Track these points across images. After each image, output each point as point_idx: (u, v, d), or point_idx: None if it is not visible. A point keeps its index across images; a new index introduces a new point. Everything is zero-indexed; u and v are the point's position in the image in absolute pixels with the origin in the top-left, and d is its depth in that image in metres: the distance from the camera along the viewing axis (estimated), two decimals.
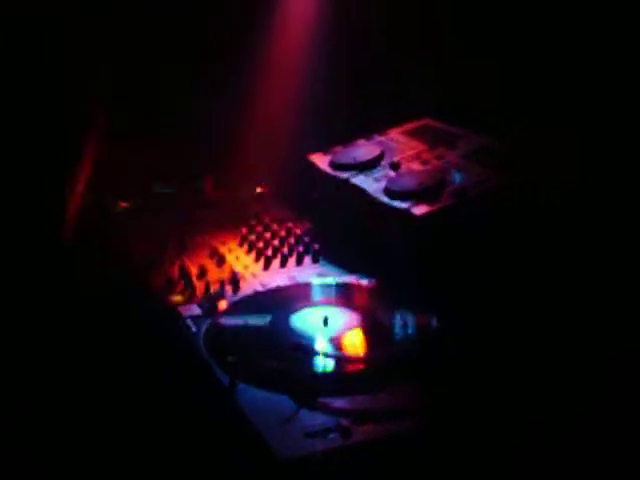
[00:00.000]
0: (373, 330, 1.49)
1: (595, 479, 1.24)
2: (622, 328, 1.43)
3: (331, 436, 1.19)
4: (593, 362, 1.37)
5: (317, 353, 1.39)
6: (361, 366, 1.38)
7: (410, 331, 1.50)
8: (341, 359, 1.39)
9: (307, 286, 1.68)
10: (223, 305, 1.59)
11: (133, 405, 1.51)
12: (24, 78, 1.34)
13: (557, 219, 1.59)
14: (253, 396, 1.30)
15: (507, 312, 1.49)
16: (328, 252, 1.85)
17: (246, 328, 1.49)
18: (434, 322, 1.48)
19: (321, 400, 1.27)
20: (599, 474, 1.23)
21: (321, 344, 1.43)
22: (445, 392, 1.30)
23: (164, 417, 1.44)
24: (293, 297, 1.61)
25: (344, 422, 1.21)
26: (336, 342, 1.44)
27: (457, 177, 1.70)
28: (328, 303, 1.59)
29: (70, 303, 1.56)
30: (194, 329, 1.51)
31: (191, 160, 2.29)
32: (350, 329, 1.48)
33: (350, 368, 1.37)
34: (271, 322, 1.50)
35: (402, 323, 1.52)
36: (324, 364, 1.37)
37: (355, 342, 1.45)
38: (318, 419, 1.23)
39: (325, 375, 1.35)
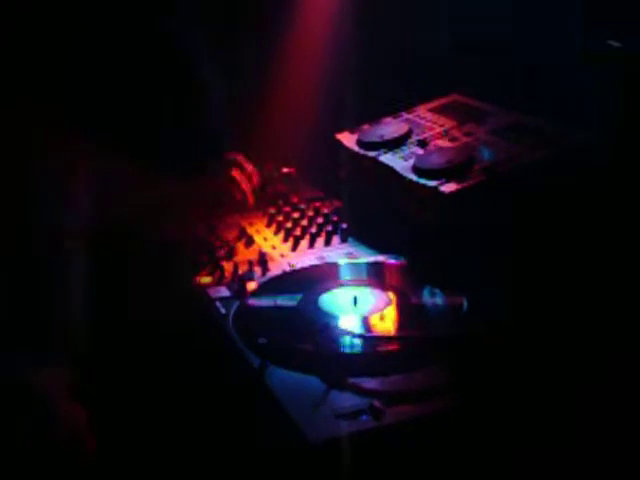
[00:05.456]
0: (403, 310, 1.47)
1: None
2: None
3: (363, 418, 1.19)
4: (621, 345, 1.35)
5: (347, 333, 1.38)
6: (392, 346, 1.36)
7: (440, 312, 1.48)
8: (371, 339, 1.37)
9: (336, 266, 1.67)
10: (252, 286, 1.58)
11: (163, 388, 1.51)
12: None
13: (589, 196, 1.56)
14: (283, 378, 1.29)
15: (536, 292, 1.46)
16: (357, 231, 1.83)
17: (275, 309, 1.49)
18: (464, 302, 1.46)
19: (352, 381, 1.26)
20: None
21: (351, 324, 1.41)
22: (477, 372, 1.28)
23: (195, 399, 1.44)
24: (322, 277, 1.60)
25: (376, 403, 1.20)
26: (366, 322, 1.43)
27: (486, 154, 1.67)
28: (357, 283, 1.58)
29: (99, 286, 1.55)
30: (223, 310, 1.51)
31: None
32: (380, 309, 1.46)
33: (380, 348, 1.36)
34: (300, 303, 1.49)
35: (433, 303, 1.51)
36: (354, 344, 1.36)
37: (385, 322, 1.44)
38: (349, 400, 1.22)
39: (355, 355, 1.34)
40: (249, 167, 1.96)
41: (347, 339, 1.37)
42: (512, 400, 1.25)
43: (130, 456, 1.50)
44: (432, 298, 1.52)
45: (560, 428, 1.25)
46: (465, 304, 1.46)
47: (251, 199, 1.94)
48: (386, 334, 1.40)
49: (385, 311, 1.46)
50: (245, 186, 1.93)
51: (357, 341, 1.36)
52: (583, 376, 1.29)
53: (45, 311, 1.28)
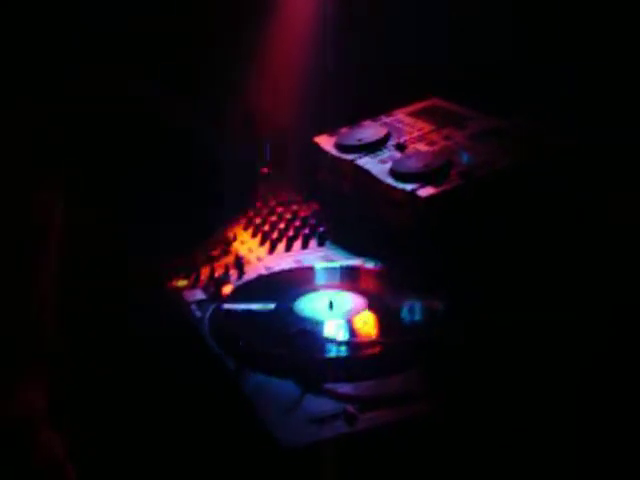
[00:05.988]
0: (379, 315, 1.47)
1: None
2: (631, 315, 1.40)
3: (336, 423, 1.18)
4: (600, 348, 1.35)
5: (321, 337, 1.37)
6: (367, 351, 1.36)
7: (417, 316, 1.47)
8: (346, 344, 1.37)
9: (312, 270, 1.66)
10: (228, 289, 1.57)
11: (138, 388, 1.50)
12: None
13: (565, 202, 1.56)
14: (258, 382, 1.28)
15: (513, 297, 1.46)
16: (334, 235, 1.83)
17: (250, 313, 1.48)
18: (441, 307, 1.46)
19: (326, 386, 1.25)
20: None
21: (326, 328, 1.41)
22: (452, 377, 1.28)
23: (168, 401, 1.43)
24: (298, 281, 1.60)
25: (350, 408, 1.20)
26: (341, 326, 1.42)
27: (464, 158, 1.67)
28: (334, 287, 1.57)
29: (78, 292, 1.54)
30: (198, 314, 1.50)
31: None
32: (356, 314, 1.46)
33: (356, 353, 1.35)
34: (276, 306, 1.48)
35: (409, 308, 1.50)
36: (329, 349, 1.35)
37: (361, 327, 1.43)
38: (323, 405, 1.22)
39: (330, 360, 1.33)
40: None
41: (322, 343, 1.36)
42: (489, 405, 1.25)
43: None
44: (409, 302, 1.51)
45: (541, 432, 1.24)
46: (442, 308, 1.46)
47: None
48: (362, 339, 1.40)
49: (361, 316, 1.45)
50: None
51: (332, 345, 1.35)
52: (566, 379, 1.29)
53: (20, 338, 1.26)
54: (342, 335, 1.39)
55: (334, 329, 1.41)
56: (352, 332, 1.41)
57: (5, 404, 1.17)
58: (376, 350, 1.35)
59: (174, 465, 1.37)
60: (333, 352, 1.35)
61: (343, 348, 1.36)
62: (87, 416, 1.49)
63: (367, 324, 1.44)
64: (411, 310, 1.49)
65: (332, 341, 1.36)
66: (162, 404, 1.43)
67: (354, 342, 1.38)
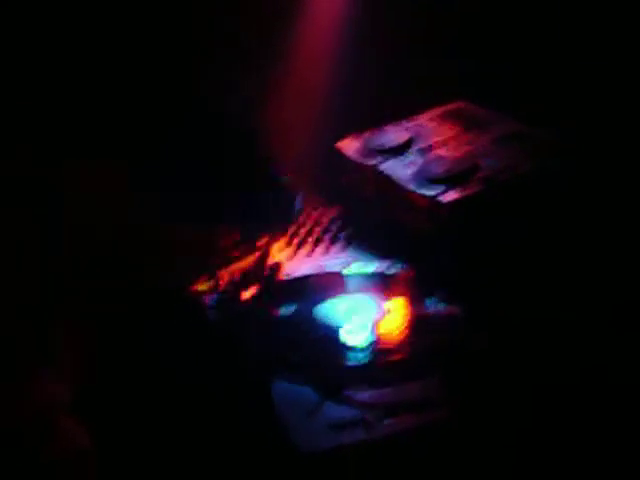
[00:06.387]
0: (400, 320, 1.46)
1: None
2: None
3: (355, 429, 1.18)
4: (626, 357, 1.34)
5: (341, 344, 1.37)
6: (387, 358, 1.35)
7: (439, 321, 1.47)
8: (366, 350, 1.37)
9: (334, 275, 1.66)
10: (248, 294, 1.57)
11: (158, 392, 1.50)
12: None
13: (587, 205, 1.55)
14: (278, 388, 1.28)
15: (535, 301, 1.45)
16: (357, 239, 1.82)
17: (271, 317, 1.48)
18: (461, 312, 1.45)
19: (346, 392, 1.25)
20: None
21: (347, 334, 1.40)
22: (472, 384, 1.27)
23: (188, 405, 1.43)
24: (319, 286, 1.59)
25: (369, 415, 1.19)
26: (362, 332, 1.42)
27: (487, 163, 1.66)
28: (355, 292, 1.57)
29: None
30: (217, 317, 1.50)
31: None
32: (377, 319, 1.45)
33: (376, 360, 1.35)
34: (296, 311, 1.48)
35: (431, 313, 1.49)
36: (348, 355, 1.35)
37: (382, 333, 1.42)
38: (343, 412, 1.22)
39: (350, 367, 1.33)
40: None
41: (342, 350, 1.36)
42: (509, 412, 1.24)
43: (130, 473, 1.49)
44: (431, 308, 1.51)
45: (558, 439, 1.23)
46: (464, 314, 1.45)
47: None
48: (382, 345, 1.39)
49: (382, 321, 1.45)
50: None
51: (352, 352, 1.35)
52: (585, 389, 1.28)
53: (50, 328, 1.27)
54: (362, 341, 1.39)
55: (354, 335, 1.40)
56: (372, 338, 1.41)
57: (28, 391, 1.18)
58: (396, 357, 1.35)
59: (193, 465, 1.37)
60: (353, 358, 1.34)
61: (363, 354, 1.36)
62: (112, 409, 1.50)
63: (388, 330, 1.44)
64: (432, 316, 1.49)
65: (352, 347, 1.36)
66: (182, 404, 1.43)
67: (374, 348, 1.38)
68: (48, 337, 1.23)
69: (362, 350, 1.37)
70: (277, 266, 1.66)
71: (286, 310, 1.49)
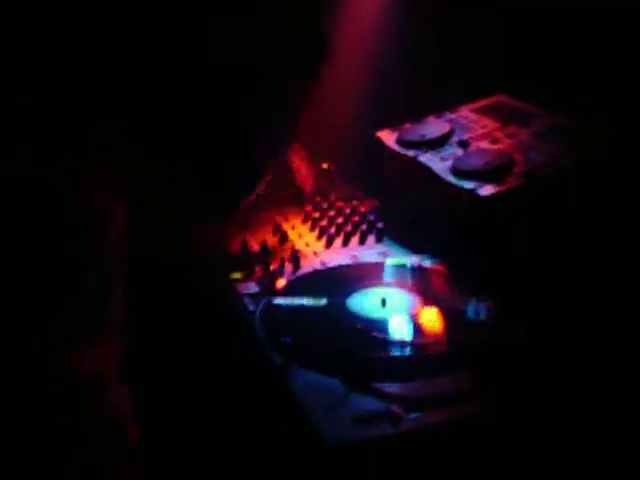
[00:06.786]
0: (433, 314, 1.44)
1: None
2: None
3: (381, 423, 1.16)
4: None
5: (371, 336, 1.35)
6: (419, 351, 1.33)
7: (471, 316, 1.44)
8: (396, 343, 1.35)
9: (368, 266, 1.64)
10: (281, 283, 1.56)
11: (187, 377, 1.50)
12: None
13: (632, 201, 1.51)
14: (305, 378, 1.27)
15: (575, 300, 1.42)
16: (393, 231, 1.80)
17: (302, 308, 1.46)
18: (498, 307, 1.42)
19: (374, 385, 1.24)
20: None
21: (378, 326, 1.39)
22: (504, 379, 1.25)
23: (216, 392, 1.43)
24: (353, 277, 1.58)
25: (395, 409, 1.18)
26: (393, 325, 1.40)
27: (527, 157, 1.63)
28: (389, 284, 1.55)
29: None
30: (251, 307, 1.49)
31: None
32: (410, 312, 1.43)
33: (407, 353, 1.33)
34: (328, 302, 1.47)
35: (465, 308, 1.47)
36: (378, 347, 1.33)
37: (414, 326, 1.40)
38: (369, 404, 1.20)
39: (379, 359, 1.31)
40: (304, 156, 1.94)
41: (372, 342, 1.34)
42: (542, 408, 1.21)
43: (166, 448, 1.49)
44: (465, 303, 1.48)
45: (590, 440, 1.21)
46: (498, 310, 1.43)
47: (309, 186, 1.92)
48: (413, 338, 1.37)
49: (415, 315, 1.43)
50: (304, 172, 1.92)
51: (382, 344, 1.34)
52: (619, 389, 1.25)
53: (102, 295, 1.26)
54: (392, 334, 1.37)
55: (385, 327, 1.39)
56: (403, 331, 1.39)
57: (79, 358, 1.19)
58: (430, 350, 1.33)
59: (219, 451, 1.37)
60: (384, 351, 1.33)
61: (395, 347, 1.34)
62: (154, 377, 1.50)
63: (420, 324, 1.42)
64: (466, 311, 1.46)
65: (382, 340, 1.34)
66: (208, 393, 1.43)
67: (405, 341, 1.36)
68: (100, 305, 1.23)
69: (395, 343, 1.35)
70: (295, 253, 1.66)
71: (318, 300, 1.47)
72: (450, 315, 1.44)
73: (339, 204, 1.93)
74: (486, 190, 1.55)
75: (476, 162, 1.65)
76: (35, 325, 1.13)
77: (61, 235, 1.12)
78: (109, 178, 1.15)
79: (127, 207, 1.21)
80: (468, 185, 1.59)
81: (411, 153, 1.78)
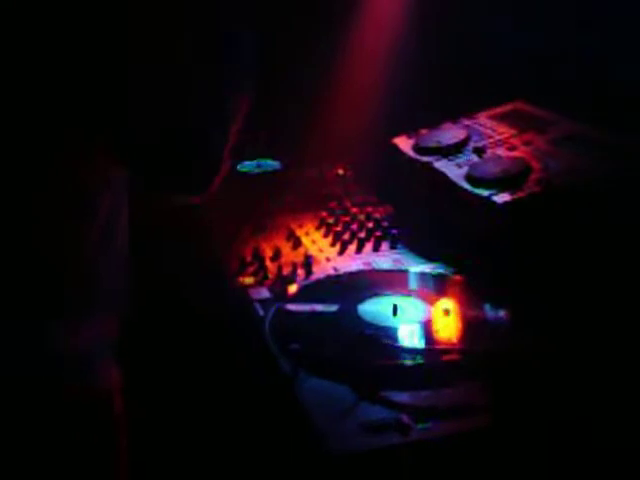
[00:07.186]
0: (445, 323, 1.42)
1: None
2: None
3: (390, 432, 1.14)
4: None
5: (382, 344, 1.33)
6: (430, 360, 1.31)
7: (486, 325, 1.42)
8: (408, 351, 1.33)
9: (380, 273, 1.63)
10: (293, 289, 1.55)
11: (195, 380, 1.49)
12: None
13: None
14: (314, 385, 1.26)
15: (590, 310, 1.40)
16: (407, 238, 1.79)
17: (312, 314, 1.45)
18: (509, 317, 1.40)
19: (382, 394, 1.22)
20: None
21: (388, 334, 1.37)
22: (516, 391, 1.23)
23: (224, 396, 1.42)
24: (365, 284, 1.56)
25: (404, 418, 1.16)
26: (404, 333, 1.38)
27: (544, 164, 1.61)
28: (401, 292, 1.53)
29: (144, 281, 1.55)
30: (261, 313, 1.48)
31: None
32: (421, 321, 1.42)
33: (417, 361, 1.31)
34: (339, 309, 1.45)
35: (478, 316, 1.45)
36: (389, 355, 1.31)
37: (425, 335, 1.39)
38: (378, 413, 1.18)
39: (390, 367, 1.30)
40: None
41: (384, 349, 1.33)
42: (553, 421, 1.19)
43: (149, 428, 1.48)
44: (478, 311, 1.46)
45: (602, 457, 1.18)
46: (512, 319, 1.41)
47: None
48: (424, 347, 1.36)
49: (426, 323, 1.41)
50: None
51: (392, 352, 1.32)
52: (634, 400, 1.22)
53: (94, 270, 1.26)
54: (407, 342, 1.35)
55: (396, 335, 1.37)
56: (415, 340, 1.37)
57: (77, 336, 1.20)
58: (443, 360, 1.31)
59: (226, 458, 1.36)
60: (396, 359, 1.31)
61: (407, 355, 1.32)
62: (145, 356, 1.50)
63: (431, 332, 1.40)
64: (479, 320, 1.44)
65: (396, 348, 1.33)
66: (216, 397, 1.42)
67: (420, 350, 1.34)
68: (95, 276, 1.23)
69: (407, 351, 1.33)
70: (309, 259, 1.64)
71: (329, 306, 1.46)
72: (464, 324, 1.42)
73: (354, 210, 1.92)
74: (502, 198, 1.53)
75: (492, 169, 1.63)
76: (31, 297, 1.15)
77: None
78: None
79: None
80: (484, 192, 1.57)
81: (427, 159, 1.77)
